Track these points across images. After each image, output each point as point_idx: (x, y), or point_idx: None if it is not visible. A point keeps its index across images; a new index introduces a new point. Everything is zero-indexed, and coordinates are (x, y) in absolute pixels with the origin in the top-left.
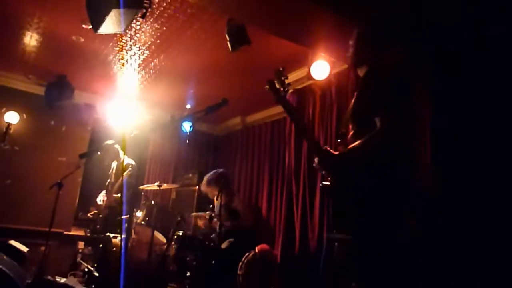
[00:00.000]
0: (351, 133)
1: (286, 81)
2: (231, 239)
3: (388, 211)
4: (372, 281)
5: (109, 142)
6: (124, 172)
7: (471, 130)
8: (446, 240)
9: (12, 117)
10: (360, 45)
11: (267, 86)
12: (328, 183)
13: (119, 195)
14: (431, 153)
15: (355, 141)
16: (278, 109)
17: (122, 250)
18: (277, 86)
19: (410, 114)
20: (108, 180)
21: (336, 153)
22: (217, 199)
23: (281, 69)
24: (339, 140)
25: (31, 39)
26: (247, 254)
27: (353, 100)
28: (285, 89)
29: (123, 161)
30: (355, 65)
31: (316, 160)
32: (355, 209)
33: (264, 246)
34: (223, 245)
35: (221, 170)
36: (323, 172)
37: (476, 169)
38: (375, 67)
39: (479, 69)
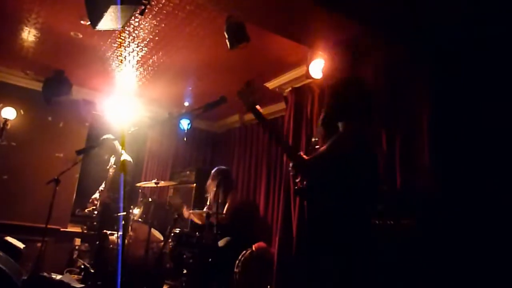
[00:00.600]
0: (320, 139)
1: (256, 91)
2: (228, 238)
3: (353, 210)
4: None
5: (108, 136)
6: (122, 168)
7: (470, 130)
8: (446, 240)
9: (9, 113)
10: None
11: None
12: (302, 186)
13: (111, 192)
14: (430, 153)
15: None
16: (277, 107)
17: (119, 247)
18: (247, 95)
19: (372, 120)
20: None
21: (307, 158)
22: (214, 196)
23: (252, 80)
24: (310, 148)
25: (29, 35)
26: (244, 252)
27: (323, 111)
28: (255, 99)
29: (120, 157)
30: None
31: (290, 164)
32: (325, 210)
33: (261, 244)
34: (220, 243)
35: (222, 167)
36: (297, 175)
37: (475, 169)
38: (339, 79)
39: (479, 69)
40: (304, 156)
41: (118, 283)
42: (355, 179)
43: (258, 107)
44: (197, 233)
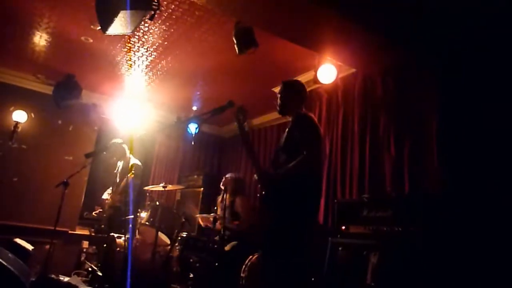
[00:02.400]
0: (282, 160)
1: (246, 113)
2: (234, 242)
3: (299, 213)
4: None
5: (117, 140)
6: (130, 172)
7: (479, 134)
8: (452, 241)
9: (20, 116)
10: (289, 97)
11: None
12: (263, 193)
13: (123, 195)
14: (438, 158)
15: (286, 166)
16: None
17: (129, 250)
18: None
19: (320, 149)
20: (115, 179)
21: (271, 172)
22: (221, 201)
23: (241, 106)
24: (272, 165)
25: (40, 39)
26: (251, 256)
27: (284, 136)
28: (245, 120)
29: (129, 161)
30: (283, 114)
31: (255, 175)
32: (278, 210)
33: None
34: (227, 247)
35: (234, 174)
36: (259, 185)
37: (484, 174)
38: (300, 115)
39: (486, 71)
40: (268, 171)
41: (128, 286)
42: (305, 195)
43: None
44: (204, 237)
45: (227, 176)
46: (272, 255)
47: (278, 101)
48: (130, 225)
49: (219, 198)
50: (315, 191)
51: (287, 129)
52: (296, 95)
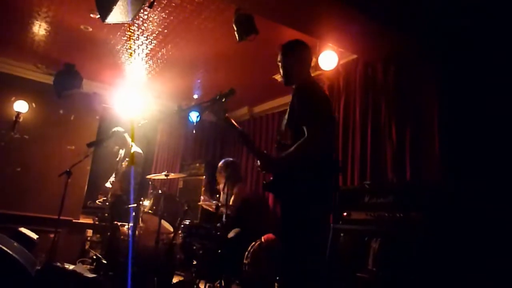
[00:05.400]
0: (289, 138)
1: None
2: (237, 229)
3: (310, 199)
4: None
5: (118, 129)
6: (131, 161)
7: (481, 121)
8: (453, 228)
9: (21, 106)
10: (290, 63)
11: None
12: (268, 182)
13: (123, 183)
14: (440, 145)
15: (292, 144)
16: (285, 99)
17: (130, 239)
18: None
19: (330, 123)
20: (117, 168)
21: (274, 158)
22: (223, 189)
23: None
24: (276, 146)
25: (39, 29)
26: (253, 243)
27: (287, 113)
28: (225, 110)
29: (130, 149)
30: (288, 84)
31: (258, 163)
32: (287, 200)
33: (270, 235)
34: (229, 235)
35: (229, 159)
36: (264, 172)
37: (486, 161)
38: (302, 83)
39: (488, 55)
40: (270, 155)
41: (129, 273)
42: (313, 179)
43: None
44: (206, 224)
45: (219, 164)
46: (286, 244)
47: (280, 70)
48: (133, 214)
49: (221, 185)
50: (324, 174)
51: (290, 102)
52: (298, 60)
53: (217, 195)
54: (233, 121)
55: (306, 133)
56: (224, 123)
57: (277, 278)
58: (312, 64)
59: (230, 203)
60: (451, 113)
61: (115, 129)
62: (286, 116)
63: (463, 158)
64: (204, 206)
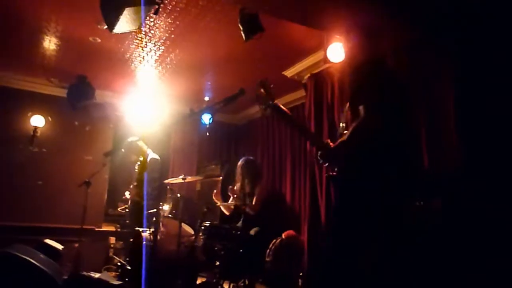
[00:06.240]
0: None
1: (271, 90)
2: (256, 228)
3: (386, 196)
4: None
5: (132, 138)
6: (144, 167)
7: (499, 106)
8: (472, 222)
9: (38, 121)
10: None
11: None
12: (333, 174)
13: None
14: (456, 130)
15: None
16: (296, 95)
17: (143, 245)
18: (265, 98)
19: (394, 101)
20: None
21: (332, 145)
22: (241, 188)
23: (265, 79)
24: (339, 133)
25: (50, 43)
26: (274, 240)
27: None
28: (273, 99)
29: (147, 156)
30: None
31: (318, 154)
32: (354, 195)
33: (290, 232)
34: (251, 232)
35: (250, 158)
36: (326, 164)
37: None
38: (359, 60)
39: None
40: (331, 144)
41: (143, 277)
42: (383, 164)
43: (279, 105)
44: (226, 225)
45: (238, 163)
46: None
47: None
48: (154, 219)
49: (235, 187)
50: (388, 160)
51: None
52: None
53: (235, 196)
54: (283, 107)
55: (363, 114)
56: (273, 112)
57: (301, 274)
58: (321, 57)
59: (253, 202)
60: (468, 100)
61: (129, 139)
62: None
63: (482, 145)
64: (222, 209)
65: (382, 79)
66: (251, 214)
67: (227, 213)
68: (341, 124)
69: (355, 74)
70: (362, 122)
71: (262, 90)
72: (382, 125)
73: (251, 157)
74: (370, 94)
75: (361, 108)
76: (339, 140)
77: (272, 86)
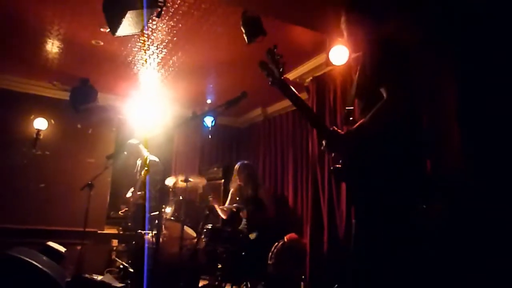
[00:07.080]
0: (358, 110)
1: (281, 60)
2: (258, 231)
3: (400, 194)
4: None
5: (132, 141)
6: (148, 170)
7: (500, 108)
8: (477, 226)
9: (41, 124)
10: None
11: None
12: (338, 166)
13: (142, 192)
14: (460, 134)
15: (363, 118)
16: None
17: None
18: (271, 66)
19: (411, 84)
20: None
21: (343, 132)
22: (238, 191)
23: (273, 47)
24: (345, 123)
25: (52, 46)
26: (276, 243)
27: (356, 75)
28: (280, 69)
29: (146, 159)
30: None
31: (323, 142)
32: (364, 192)
33: (292, 235)
34: (252, 236)
35: (245, 161)
36: (332, 155)
37: (507, 150)
38: (372, 42)
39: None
40: (339, 131)
41: (145, 280)
42: (403, 157)
43: (286, 79)
44: (228, 227)
45: (235, 167)
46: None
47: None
48: (156, 221)
49: (233, 189)
50: (411, 149)
51: (359, 67)
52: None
53: (237, 198)
54: (290, 86)
55: (385, 95)
56: (278, 86)
57: (303, 277)
58: (323, 59)
59: (266, 206)
60: (472, 99)
61: (129, 141)
62: (355, 84)
63: (486, 147)
64: (219, 212)
65: (402, 56)
66: (270, 219)
67: (224, 216)
68: (345, 112)
69: (370, 55)
70: (388, 103)
71: (269, 57)
72: (407, 108)
73: (246, 161)
74: (394, 72)
75: (383, 89)
76: (356, 125)
77: (279, 57)
